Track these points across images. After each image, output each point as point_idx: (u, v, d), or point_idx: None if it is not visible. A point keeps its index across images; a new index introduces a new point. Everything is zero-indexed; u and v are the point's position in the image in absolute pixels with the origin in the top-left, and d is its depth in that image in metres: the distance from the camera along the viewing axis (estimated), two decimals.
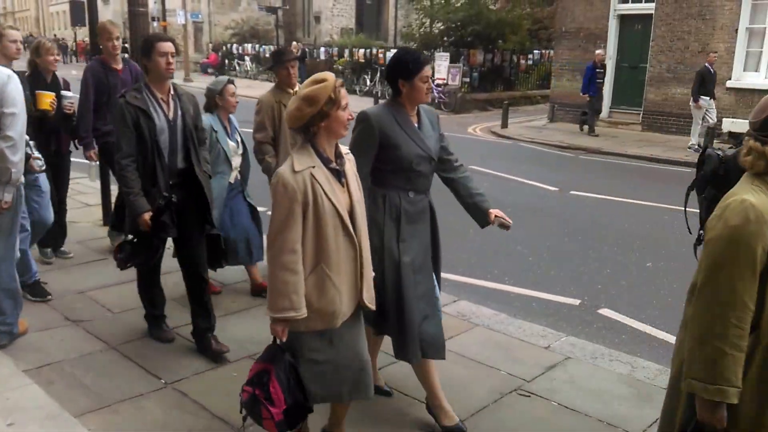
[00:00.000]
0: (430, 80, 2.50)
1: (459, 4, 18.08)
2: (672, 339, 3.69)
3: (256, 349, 3.20)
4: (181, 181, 3.02)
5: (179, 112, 2.99)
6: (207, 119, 3.56)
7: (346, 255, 2.04)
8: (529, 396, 2.87)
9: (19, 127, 2.76)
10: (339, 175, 2.06)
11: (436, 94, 16.24)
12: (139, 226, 2.89)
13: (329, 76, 1.99)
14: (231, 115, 3.79)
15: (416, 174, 2.47)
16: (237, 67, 26.19)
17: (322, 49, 22.85)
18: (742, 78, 10.95)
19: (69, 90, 4.13)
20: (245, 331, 3.42)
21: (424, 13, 19.19)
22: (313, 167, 1.98)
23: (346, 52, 20.96)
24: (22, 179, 2.94)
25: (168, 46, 2.89)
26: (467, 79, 16.93)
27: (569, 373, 3.08)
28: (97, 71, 4.26)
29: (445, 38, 18.48)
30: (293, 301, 1.96)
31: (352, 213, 2.06)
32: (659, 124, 12.05)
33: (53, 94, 3.51)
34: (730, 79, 10.99)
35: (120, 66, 4.33)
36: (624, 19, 12.68)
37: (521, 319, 3.74)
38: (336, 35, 27.72)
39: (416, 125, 2.52)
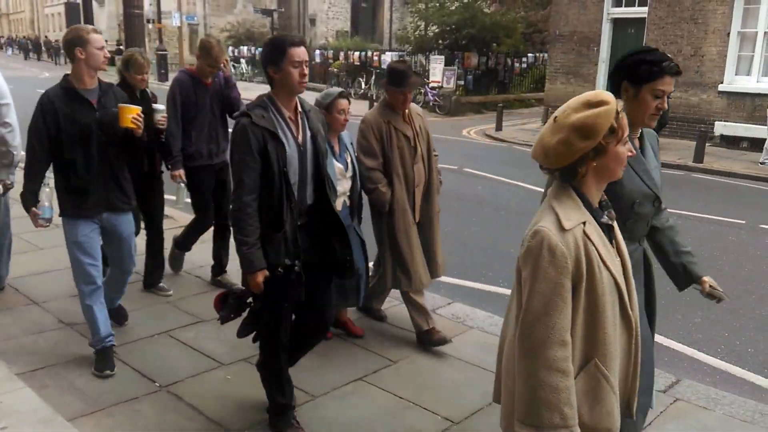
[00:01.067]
0: (665, 99, 1.90)
1: (454, 8, 18.16)
2: (663, 340, 3.72)
3: (251, 352, 3.19)
4: (308, 221, 2.42)
5: (308, 133, 2.38)
6: None
7: (620, 343, 1.53)
8: None
9: (13, 114, 3.24)
10: (610, 232, 1.54)
11: (431, 97, 16.35)
12: (251, 287, 2.31)
13: (608, 97, 1.45)
14: (343, 133, 3.18)
15: (635, 217, 1.94)
16: (232, 70, 26.11)
17: (318, 51, 22.87)
18: (734, 82, 11.06)
19: (157, 102, 3.66)
20: None
21: (419, 16, 19.26)
22: (584, 223, 1.45)
23: (341, 55, 20.99)
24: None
25: (302, 53, 2.25)
26: (462, 82, 17.00)
27: None
28: (185, 85, 3.72)
29: (440, 41, 18.54)
30: (566, 415, 1.40)
31: (626, 283, 1.54)
32: None
33: (139, 108, 2.85)
34: (722, 82, 11.09)
35: (209, 79, 3.78)
36: (617, 23, 12.77)
37: None
38: (331, 38, 27.75)
39: (639, 151, 1.98)
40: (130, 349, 3.18)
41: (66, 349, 3.16)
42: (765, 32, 10.66)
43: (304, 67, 2.26)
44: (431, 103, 16.32)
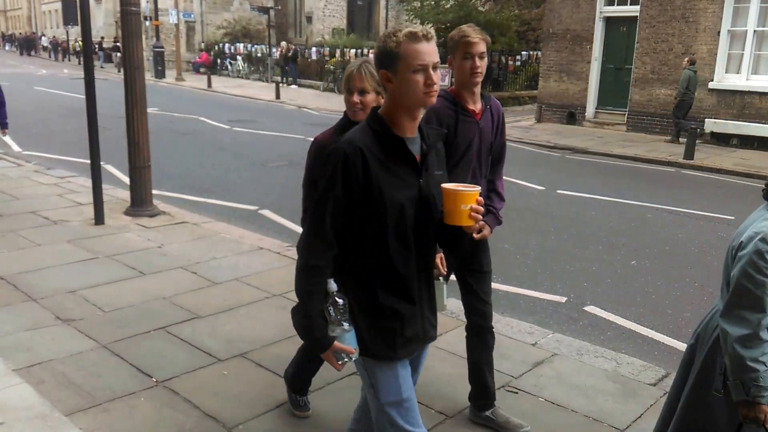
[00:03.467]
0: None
1: (449, 6, 18.21)
2: (653, 335, 3.78)
3: (247, 347, 3.24)
4: None
5: None
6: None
7: None
8: (517, 392, 2.92)
9: None
10: None
11: None
12: None
13: None
14: None
15: None
16: (229, 67, 26.21)
17: (314, 49, 22.90)
18: (723, 80, 11.15)
19: None
20: (236, 329, 3.44)
21: (414, 15, 19.28)
22: None
23: (338, 52, 21.00)
24: None
25: None
26: None
27: (556, 370, 3.14)
28: (446, 116, 2.37)
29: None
30: None
31: None
32: (644, 125, 12.23)
33: (478, 190, 1.61)
34: (712, 80, 11.19)
35: (478, 106, 2.44)
36: (610, 21, 12.85)
37: (509, 317, 3.79)
38: (327, 35, 27.74)
39: None
40: (127, 345, 3.20)
41: (63, 345, 3.17)
42: (755, 30, 10.76)
43: None
44: None
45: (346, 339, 1.61)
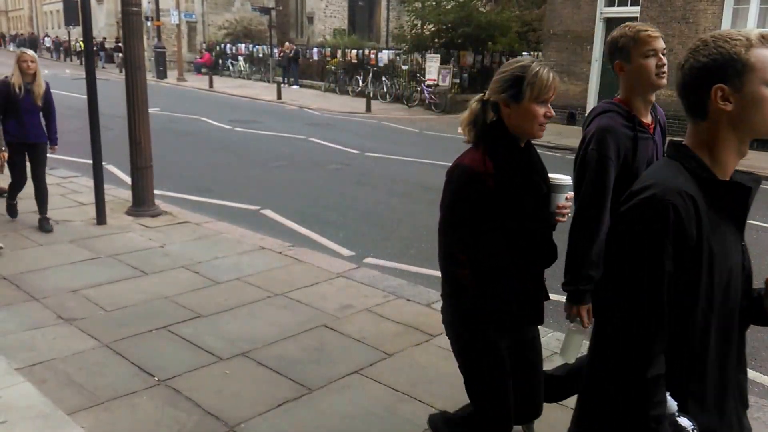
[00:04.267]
0: None
1: (450, 6, 18.22)
2: None
3: (248, 346, 3.24)
4: None
5: None
6: None
7: None
8: None
9: None
10: None
11: (426, 95, 16.43)
12: None
13: None
14: None
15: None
16: (231, 67, 26.28)
17: (315, 49, 22.94)
18: None
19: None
20: (238, 328, 3.45)
21: (416, 15, 19.31)
22: None
23: (339, 53, 21.05)
24: None
25: None
26: (457, 80, 17.05)
27: None
28: (623, 136, 1.96)
29: (436, 40, 18.59)
30: None
31: None
32: None
33: None
34: None
35: (649, 117, 2.10)
36: (610, 22, 12.85)
37: None
38: (329, 36, 27.79)
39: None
40: (129, 344, 3.22)
41: (65, 343, 3.18)
42: None
43: None
44: (427, 101, 16.42)
45: None
